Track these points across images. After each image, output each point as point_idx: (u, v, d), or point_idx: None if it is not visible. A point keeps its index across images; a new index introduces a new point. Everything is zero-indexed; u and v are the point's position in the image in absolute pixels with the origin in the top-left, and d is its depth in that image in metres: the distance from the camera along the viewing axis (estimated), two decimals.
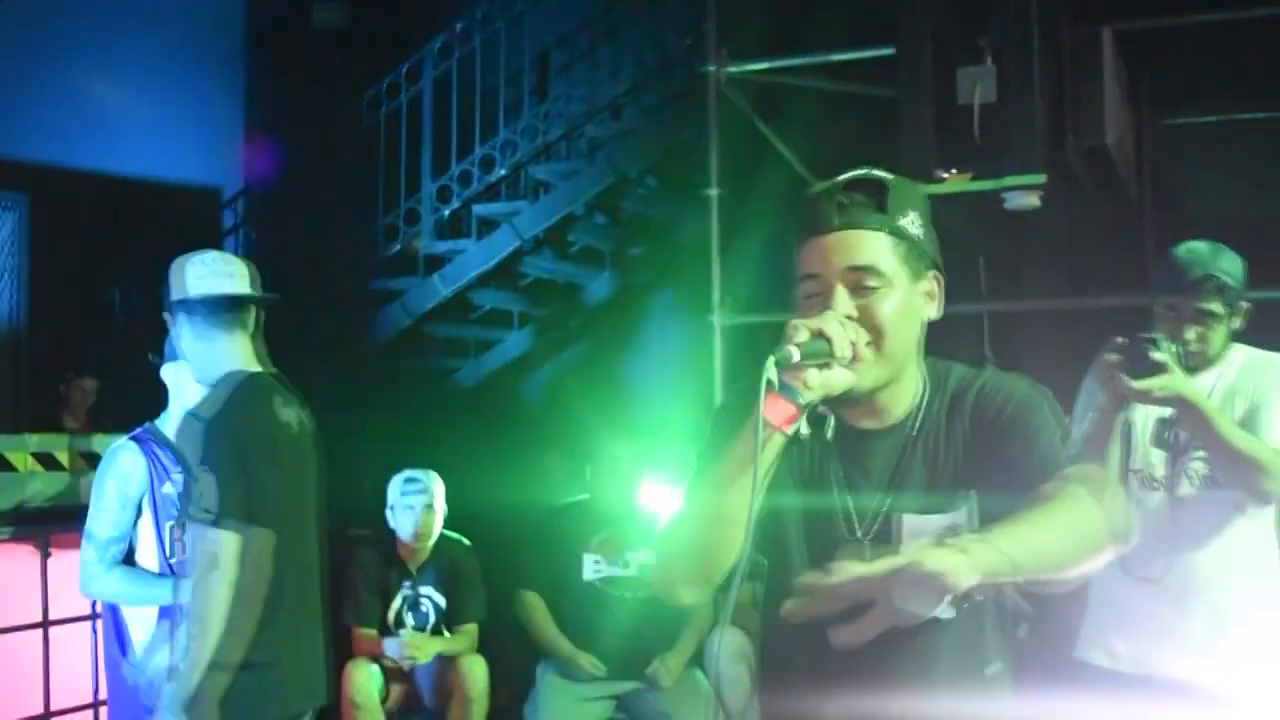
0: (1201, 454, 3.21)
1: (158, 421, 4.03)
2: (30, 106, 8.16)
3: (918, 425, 2.11)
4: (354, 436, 6.94)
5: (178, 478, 3.83)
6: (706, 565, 2.02)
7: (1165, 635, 3.23)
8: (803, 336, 1.94)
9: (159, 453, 3.94)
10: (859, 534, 2.09)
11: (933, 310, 2.11)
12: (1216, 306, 3.26)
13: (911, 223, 2.06)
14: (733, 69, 6.30)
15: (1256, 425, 3.16)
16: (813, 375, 1.95)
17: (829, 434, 2.09)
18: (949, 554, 1.72)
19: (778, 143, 6.41)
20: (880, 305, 2.02)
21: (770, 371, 1.91)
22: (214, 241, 9.19)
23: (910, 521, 2.07)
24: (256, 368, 3.50)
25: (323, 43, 9.87)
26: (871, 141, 5.62)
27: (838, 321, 1.97)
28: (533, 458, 6.85)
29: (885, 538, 2.07)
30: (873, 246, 2.03)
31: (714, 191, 6.29)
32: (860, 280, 2.02)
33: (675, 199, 7.34)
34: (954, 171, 5.04)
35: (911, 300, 2.06)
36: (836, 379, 1.97)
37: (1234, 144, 7.28)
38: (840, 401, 2.05)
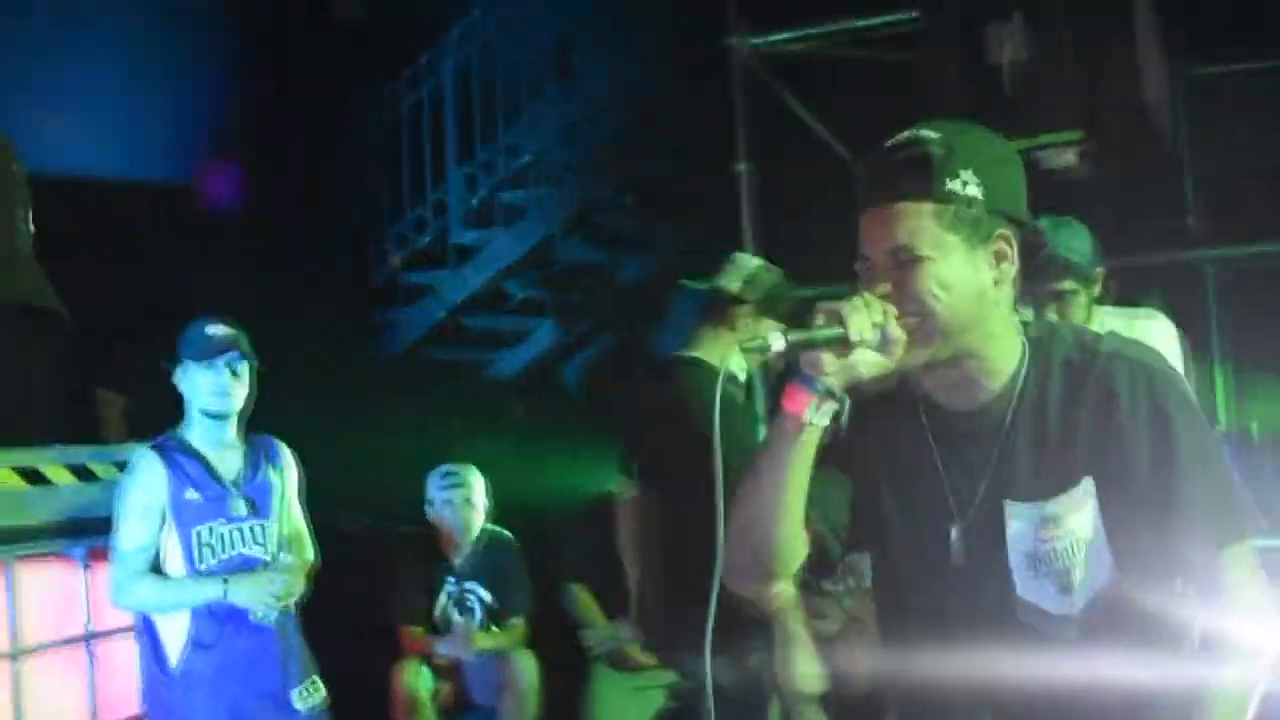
0: None
1: (180, 429, 4.00)
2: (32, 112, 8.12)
3: (1018, 401, 1.97)
4: (393, 433, 6.92)
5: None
6: (769, 563, 1.97)
7: None
8: (818, 321, 1.85)
9: (180, 460, 3.90)
10: (960, 521, 1.97)
11: (1006, 272, 1.95)
12: (1068, 284, 3.34)
13: (965, 184, 1.90)
14: (756, 40, 6.20)
15: None
16: (829, 361, 1.85)
17: (843, 421, 1.93)
18: None
19: (805, 115, 6.29)
20: (920, 279, 1.89)
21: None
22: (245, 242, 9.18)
23: (1013, 508, 1.95)
24: None
25: (345, 35, 9.82)
26: (902, 109, 5.51)
27: (861, 303, 1.86)
28: (574, 446, 6.78)
29: (988, 524, 1.96)
30: (913, 220, 1.89)
31: (742, 166, 6.20)
32: (899, 256, 1.90)
33: (704, 176, 7.24)
34: None
35: (969, 266, 1.91)
36: (862, 362, 1.86)
37: (1262, 93, 7.12)
38: (912, 380, 1.98)
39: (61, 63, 8.59)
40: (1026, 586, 1.95)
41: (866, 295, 1.87)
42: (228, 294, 8.85)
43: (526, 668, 5.14)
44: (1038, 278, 3.25)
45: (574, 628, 5.26)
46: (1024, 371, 1.98)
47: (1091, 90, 5.08)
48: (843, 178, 6.20)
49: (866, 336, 1.84)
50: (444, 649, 5.17)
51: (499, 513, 5.52)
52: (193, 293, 7.57)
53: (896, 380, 1.97)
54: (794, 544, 1.98)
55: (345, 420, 7.33)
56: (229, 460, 4.02)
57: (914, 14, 5.31)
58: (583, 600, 5.25)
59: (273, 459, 4.12)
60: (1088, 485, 1.93)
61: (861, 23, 5.97)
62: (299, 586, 4.01)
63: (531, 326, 7.91)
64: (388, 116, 7.99)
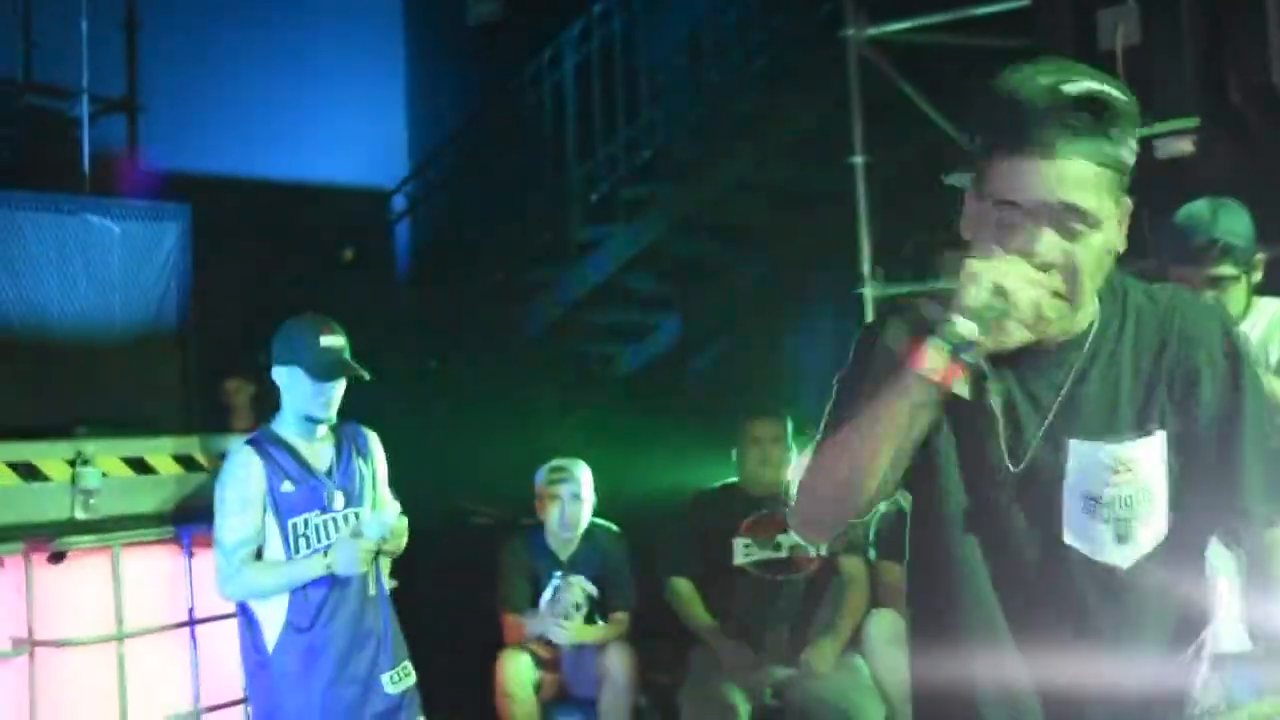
0: None
1: (273, 424, 4.08)
2: (191, 117, 8.41)
3: (1094, 344, 1.90)
4: (512, 426, 7.00)
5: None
6: (843, 509, 1.93)
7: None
8: (982, 297, 1.75)
9: (274, 454, 3.99)
10: (1017, 457, 1.89)
11: (1122, 240, 1.89)
12: (1227, 269, 3.14)
13: (1132, 150, 1.83)
14: (872, 31, 6.12)
15: (1268, 362, 3.00)
16: (984, 338, 1.78)
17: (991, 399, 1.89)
18: None
19: (923, 104, 6.18)
20: (1087, 251, 1.80)
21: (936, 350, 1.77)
22: (380, 243, 9.39)
23: (1078, 447, 1.87)
24: None
25: (479, 37, 9.98)
26: None
27: (1025, 279, 1.76)
28: (689, 441, 6.77)
29: (1048, 462, 1.88)
30: (1094, 182, 1.78)
31: (859, 159, 6.13)
32: (1069, 220, 1.78)
33: (825, 170, 7.16)
34: None
35: (1112, 235, 1.84)
36: (1011, 337, 1.78)
37: None
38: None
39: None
40: (1080, 532, 1.88)
41: (1030, 269, 1.77)
42: (372, 292, 9.17)
43: (626, 662, 5.13)
44: (1196, 261, 3.08)
45: (674, 623, 5.26)
46: (1100, 314, 1.91)
47: (1212, 75, 4.88)
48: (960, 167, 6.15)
49: (1029, 316, 1.77)
50: (536, 628, 5.18)
51: (609, 506, 5.52)
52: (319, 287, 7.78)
53: None
54: (870, 493, 1.90)
55: (473, 415, 7.46)
56: (321, 452, 4.10)
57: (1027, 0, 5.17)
58: (685, 594, 5.24)
59: (361, 448, 4.18)
60: (1161, 436, 1.87)
61: (977, 10, 5.86)
62: (393, 534, 4.04)
63: (655, 322, 7.90)
64: (511, 112, 8.07)
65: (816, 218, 7.24)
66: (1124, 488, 1.86)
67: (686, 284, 7.84)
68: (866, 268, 6.08)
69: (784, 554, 5.19)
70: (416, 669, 4.25)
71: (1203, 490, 1.89)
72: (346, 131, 9.59)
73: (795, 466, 5.43)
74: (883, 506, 5.87)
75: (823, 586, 5.22)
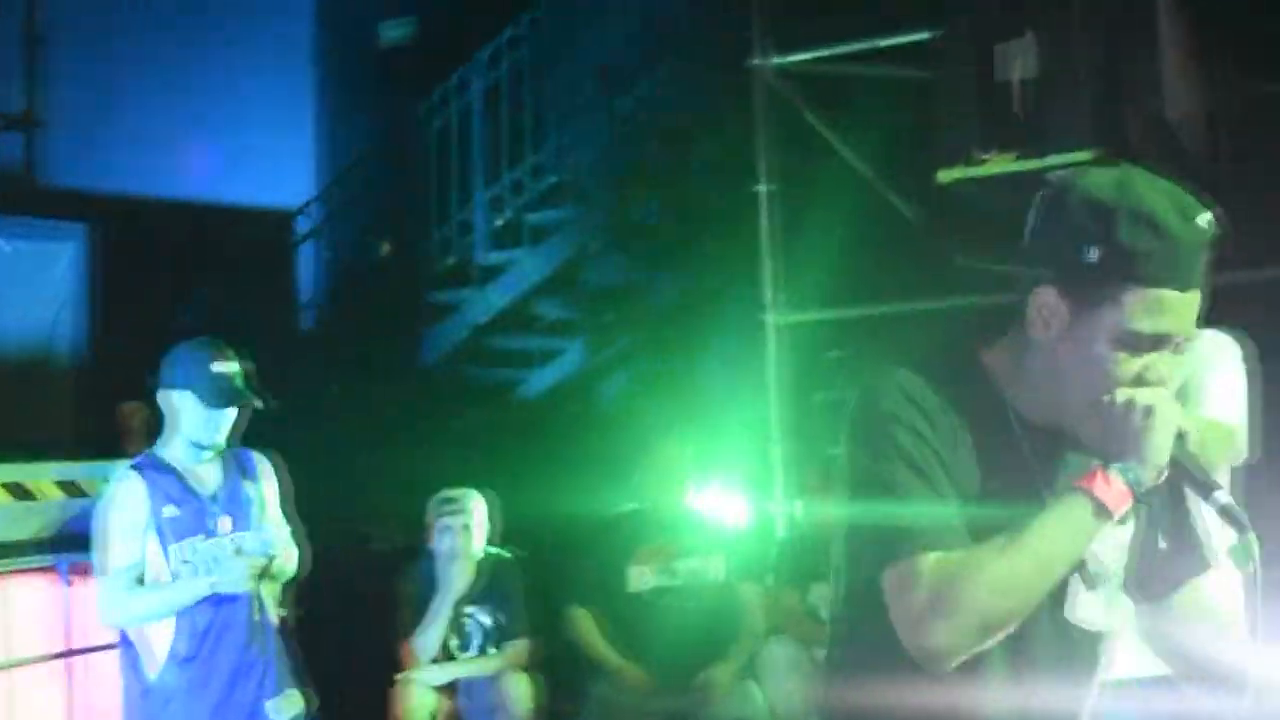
0: None
1: (156, 447, 3.98)
2: (93, 135, 8.26)
3: None
4: (416, 450, 6.92)
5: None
6: (989, 639, 1.80)
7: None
8: (1167, 443, 1.76)
9: (159, 478, 3.89)
10: None
11: None
12: None
13: None
14: (779, 61, 6.15)
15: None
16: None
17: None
18: None
19: (829, 134, 6.22)
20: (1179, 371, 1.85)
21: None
22: (283, 265, 9.27)
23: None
24: None
25: (389, 60, 9.92)
26: (921, 128, 5.45)
27: (1179, 416, 1.78)
28: (593, 468, 6.73)
29: None
30: (1195, 312, 1.80)
31: (764, 187, 6.15)
32: (1179, 347, 1.81)
33: (733, 197, 7.19)
34: (997, 152, 4.81)
35: None
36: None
37: None
38: (999, 391, 1.91)
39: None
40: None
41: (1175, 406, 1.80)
42: (274, 314, 9.04)
43: (523, 691, 5.06)
44: None
45: (573, 651, 5.21)
46: None
47: (1108, 109, 4.96)
48: (865, 198, 6.21)
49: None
50: (431, 678, 5.11)
51: (511, 532, 5.47)
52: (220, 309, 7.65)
53: (978, 390, 1.90)
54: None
55: (376, 439, 7.37)
56: (208, 475, 4.00)
57: (930, 32, 5.23)
58: (583, 623, 5.19)
59: (250, 472, 4.09)
60: None
61: (883, 42, 5.91)
62: (281, 554, 3.96)
63: (560, 347, 7.87)
64: (419, 136, 8.02)
65: (724, 244, 7.25)
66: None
67: (593, 309, 7.82)
68: (770, 295, 6.11)
69: (681, 581, 5.16)
70: (330, 701, 4.17)
71: None
72: (253, 152, 9.48)
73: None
74: (780, 531, 5.89)
75: (721, 613, 5.20)
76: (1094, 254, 1.76)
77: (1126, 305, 1.76)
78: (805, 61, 6.19)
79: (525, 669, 5.18)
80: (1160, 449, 1.75)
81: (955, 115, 4.94)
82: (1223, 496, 1.77)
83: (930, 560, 1.75)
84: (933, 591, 1.74)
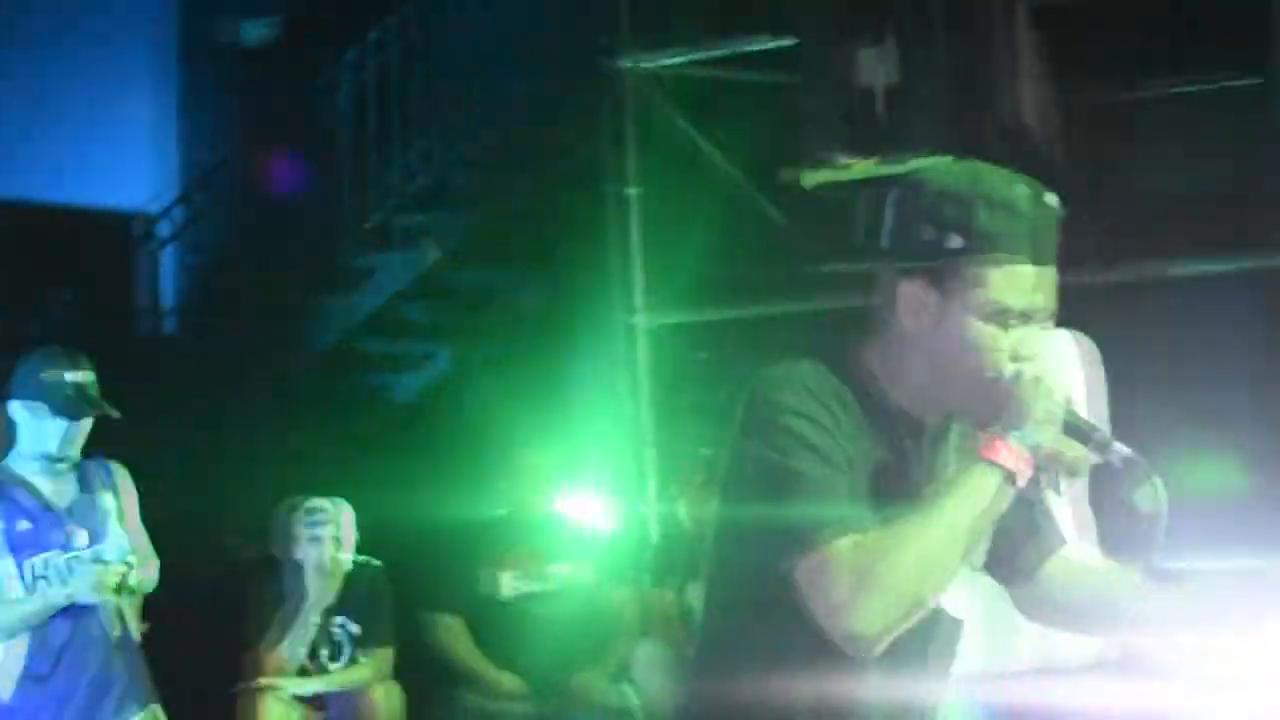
0: None
1: (7, 460, 3.87)
2: None
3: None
4: (281, 457, 6.81)
5: None
6: (911, 619, 1.80)
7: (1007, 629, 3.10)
8: (1052, 409, 1.82)
9: (10, 492, 3.78)
10: None
11: None
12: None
13: None
14: (645, 64, 6.18)
15: None
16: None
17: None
18: None
19: (696, 136, 6.26)
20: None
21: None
22: (143, 269, 9.08)
23: None
24: None
25: (255, 60, 9.75)
26: (787, 132, 5.52)
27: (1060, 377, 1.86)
28: (461, 474, 6.69)
29: None
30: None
31: (631, 190, 6.17)
32: (1042, 321, 1.89)
33: (602, 200, 7.20)
34: (859, 156, 4.89)
35: None
36: None
37: (1169, 119, 7.15)
38: (885, 391, 1.93)
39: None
40: None
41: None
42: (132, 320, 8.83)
43: (389, 702, 5.02)
44: None
45: (441, 659, 5.18)
46: None
47: (968, 114, 5.07)
48: (733, 200, 6.27)
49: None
50: (296, 691, 5.04)
51: (378, 540, 5.41)
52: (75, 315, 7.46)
53: (861, 387, 1.91)
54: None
55: (239, 446, 7.23)
56: (62, 488, 3.89)
57: (793, 38, 5.29)
58: (451, 630, 5.16)
59: (106, 483, 3.98)
60: None
61: (749, 47, 5.97)
62: (139, 562, 3.87)
63: (429, 351, 7.81)
64: (285, 137, 7.91)
65: (592, 248, 7.26)
66: None
67: (461, 313, 7.77)
68: (638, 298, 6.13)
69: (551, 586, 5.16)
70: (177, 712, 4.09)
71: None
72: (114, 155, 9.26)
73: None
74: (653, 532, 5.91)
75: (592, 617, 5.20)
76: (957, 241, 1.84)
77: (993, 284, 1.83)
78: (670, 65, 6.22)
79: (391, 679, 5.14)
80: (1052, 413, 1.81)
81: (818, 120, 5.01)
82: (1122, 448, 1.84)
83: (847, 545, 1.75)
84: (855, 574, 1.74)
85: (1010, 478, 1.80)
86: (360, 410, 7.59)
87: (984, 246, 1.84)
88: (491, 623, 5.14)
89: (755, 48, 5.89)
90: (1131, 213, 7.17)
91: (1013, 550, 2.04)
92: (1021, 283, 1.84)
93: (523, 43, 7.46)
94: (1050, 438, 1.83)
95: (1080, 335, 3.37)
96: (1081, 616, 2.12)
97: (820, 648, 1.83)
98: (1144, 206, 7.01)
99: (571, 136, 7.07)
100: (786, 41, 5.46)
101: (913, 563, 1.75)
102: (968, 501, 1.79)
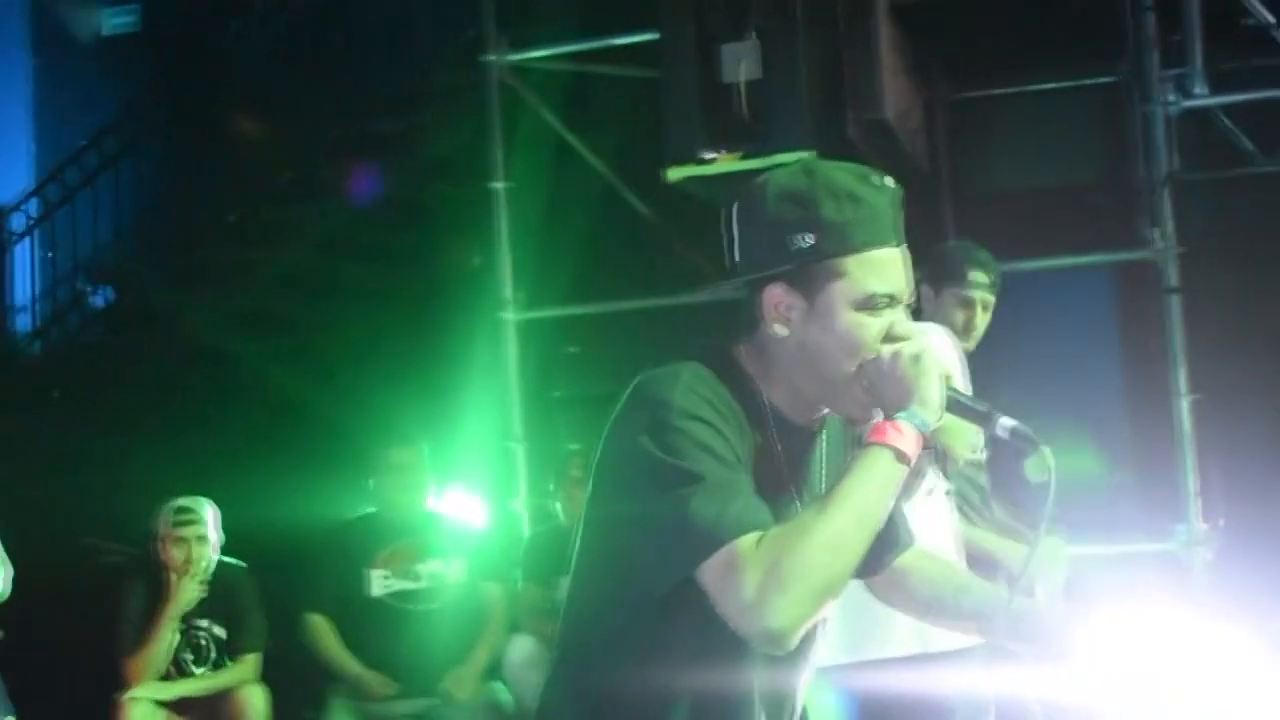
0: None
1: None
2: None
3: (826, 420, 2.02)
4: (147, 457, 6.66)
5: None
6: (827, 605, 1.81)
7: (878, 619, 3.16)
8: (939, 381, 1.87)
9: None
10: None
11: None
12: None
13: None
14: (513, 57, 6.15)
15: None
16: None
17: None
18: None
19: (563, 130, 6.25)
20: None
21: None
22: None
23: None
24: None
25: (113, 49, 9.53)
26: (655, 127, 5.54)
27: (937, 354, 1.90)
28: (331, 471, 6.59)
29: None
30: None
31: (500, 185, 6.14)
32: (908, 303, 1.93)
33: (470, 193, 7.15)
34: (723, 152, 4.91)
35: None
36: None
37: (1027, 116, 7.32)
38: (762, 392, 1.95)
39: None
40: None
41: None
42: None
43: (256, 705, 4.94)
44: (974, 286, 3.24)
45: (310, 659, 5.11)
46: None
47: (829, 110, 5.13)
48: (603, 195, 6.27)
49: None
50: (163, 694, 4.94)
51: (243, 541, 5.32)
52: None
53: (741, 391, 1.91)
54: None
55: (104, 447, 7.05)
56: None
57: (657, 33, 5.29)
58: (320, 630, 5.09)
59: None
60: None
61: (614, 41, 5.97)
62: None
63: (298, 346, 7.66)
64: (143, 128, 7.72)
65: (462, 242, 7.21)
66: None
67: (330, 307, 7.66)
68: (508, 292, 6.11)
69: (422, 583, 5.13)
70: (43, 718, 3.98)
71: None
72: None
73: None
74: (525, 528, 5.89)
75: (464, 615, 5.18)
76: (808, 239, 1.86)
77: (853, 273, 1.86)
78: (537, 59, 6.20)
79: (258, 681, 5.06)
80: (936, 389, 1.85)
81: (682, 115, 5.02)
82: (1008, 420, 1.89)
83: (753, 540, 1.76)
84: (765, 568, 1.74)
85: (901, 457, 1.82)
86: (230, 408, 7.44)
87: (835, 238, 1.86)
88: (361, 621, 5.09)
89: (621, 42, 5.91)
90: (991, 208, 7.36)
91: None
92: (880, 267, 1.87)
93: (392, 33, 7.38)
94: (935, 415, 1.86)
95: (937, 327, 3.44)
96: (927, 610, 2.19)
97: (704, 644, 1.86)
98: (1003, 202, 7.19)
99: (439, 128, 7.02)
100: (651, 36, 5.45)
101: (819, 553, 1.75)
102: (864, 487, 1.81)
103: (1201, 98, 5.83)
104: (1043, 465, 1.86)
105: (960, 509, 3.52)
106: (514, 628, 5.22)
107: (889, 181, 1.91)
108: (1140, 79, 5.96)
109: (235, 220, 7.41)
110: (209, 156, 7.62)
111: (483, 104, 6.19)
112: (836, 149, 5.19)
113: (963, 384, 3.22)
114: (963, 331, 3.87)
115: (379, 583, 5.12)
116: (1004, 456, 2.90)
